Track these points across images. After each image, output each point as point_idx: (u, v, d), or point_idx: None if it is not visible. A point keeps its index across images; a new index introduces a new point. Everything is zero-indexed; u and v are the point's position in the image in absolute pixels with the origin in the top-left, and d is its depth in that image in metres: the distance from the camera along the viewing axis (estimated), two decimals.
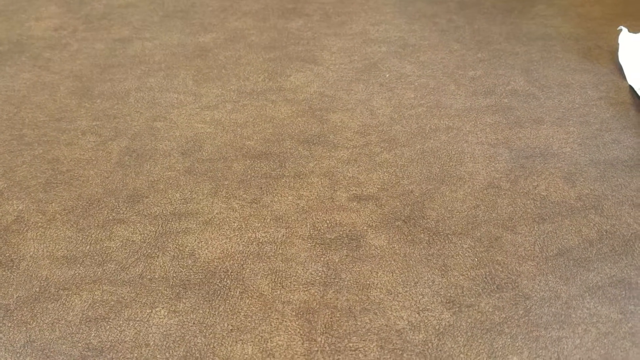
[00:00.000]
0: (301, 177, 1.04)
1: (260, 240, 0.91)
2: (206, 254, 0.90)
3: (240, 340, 0.77)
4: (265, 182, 1.03)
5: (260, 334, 0.78)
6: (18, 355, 0.76)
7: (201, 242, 0.92)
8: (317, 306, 0.81)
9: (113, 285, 0.85)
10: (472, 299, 0.82)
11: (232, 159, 1.08)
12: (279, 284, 0.85)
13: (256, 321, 0.80)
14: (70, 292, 0.84)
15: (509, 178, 1.02)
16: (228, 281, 0.85)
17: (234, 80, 1.32)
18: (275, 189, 1.01)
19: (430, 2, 1.64)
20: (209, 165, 1.07)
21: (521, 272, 0.85)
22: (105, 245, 0.91)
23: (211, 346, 0.77)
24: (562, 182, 1.01)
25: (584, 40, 1.43)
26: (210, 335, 0.78)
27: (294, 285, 0.84)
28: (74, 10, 1.64)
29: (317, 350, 0.76)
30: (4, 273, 0.88)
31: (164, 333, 0.78)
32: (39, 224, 0.96)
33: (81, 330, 0.79)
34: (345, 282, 0.85)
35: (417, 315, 0.80)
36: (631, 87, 1.26)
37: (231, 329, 0.79)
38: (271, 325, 0.79)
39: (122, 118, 1.20)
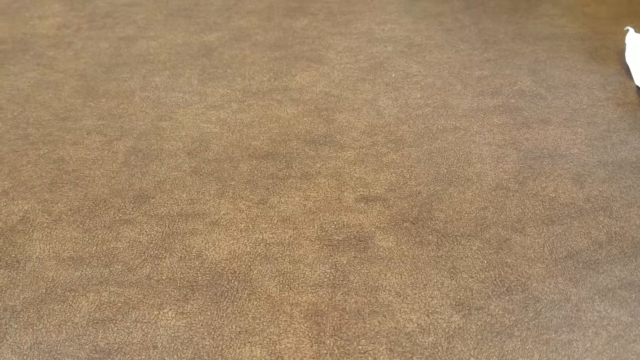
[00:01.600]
0: (308, 177, 1.03)
1: (268, 242, 0.91)
2: (213, 255, 0.89)
3: (249, 342, 0.77)
4: (272, 182, 1.02)
5: (269, 336, 0.78)
6: (25, 357, 0.76)
7: (208, 243, 0.91)
8: (326, 308, 0.81)
9: (120, 286, 0.85)
10: (482, 302, 0.81)
11: (238, 159, 1.08)
12: (286, 286, 0.84)
13: (264, 323, 0.79)
14: (77, 294, 0.84)
15: (517, 179, 1.02)
16: (235, 283, 0.85)
17: (239, 80, 1.31)
18: (282, 190, 1.01)
19: (435, 1, 1.63)
20: (215, 166, 1.06)
21: (531, 275, 0.85)
22: (111, 246, 0.91)
23: (219, 348, 0.76)
24: (570, 184, 1.01)
25: (590, 40, 1.43)
26: (219, 338, 0.78)
27: (302, 287, 0.84)
28: (78, 9, 1.63)
29: (326, 353, 0.75)
30: (10, 274, 0.87)
31: (172, 335, 0.78)
32: (45, 224, 0.95)
33: (88, 332, 0.78)
34: (354, 284, 0.84)
35: (426, 317, 0.79)
36: (638, 88, 1.25)
37: (239, 331, 0.78)
38: (279, 327, 0.79)
39: (127, 117, 1.20)
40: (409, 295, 0.82)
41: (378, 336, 0.77)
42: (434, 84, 1.28)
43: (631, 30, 1.37)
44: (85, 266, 0.88)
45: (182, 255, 0.89)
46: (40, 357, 0.76)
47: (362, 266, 0.87)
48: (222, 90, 1.28)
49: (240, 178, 1.04)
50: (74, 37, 1.49)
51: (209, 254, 0.89)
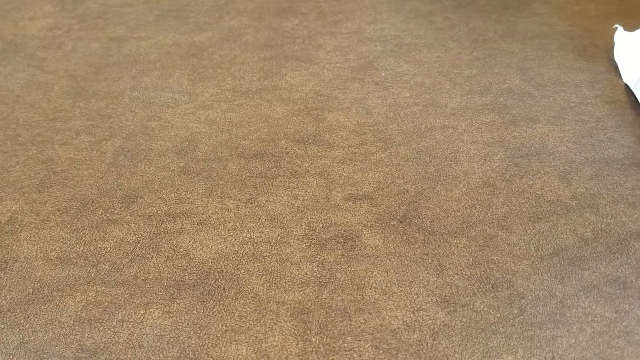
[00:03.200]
0: (296, 176, 1.04)
1: (255, 241, 0.91)
2: (201, 254, 0.89)
3: (235, 340, 0.77)
4: (261, 181, 1.03)
5: (255, 335, 0.78)
6: (11, 356, 0.76)
7: (196, 242, 0.91)
8: (312, 306, 0.81)
9: (107, 286, 0.85)
10: (467, 299, 0.81)
11: (227, 159, 1.08)
12: (273, 284, 0.84)
13: (251, 322, 0.79)
14: (64, 293, 0.84)
15: (505, 177, 1.02)
16: (222, 281, 0.85)
17: (229, 80, 1.31)
18: (270, 189, 1.01)
19: (425, 0, 1.63)
20: (204, 165, 1.07)
21: (516, 272, 0.85)
22: (99, 245, 0.91)
23: (205, 347, 0.77)
24: (557, 181, 1.01)
25: (579, 38, 1.43)
26: (205, 336, 0.78)
27: (289, 285, 0.84)
28: (69, 10, 1.63)
29: (312, 351, 0.76)
30: None
31: (158, 334, 0.78)
32: (33, 224, 0.95)
33: (75, 332, 0.79)
34: (340, 282, 0.84)
35: (411, 315, 0.80)
36: (626, 86, 1.26)
37: (225, 330, 0.79)
38: (266, 325, 0.79)
39: (116, 118, 1.20)
40: (394, 293, 0.83)
41: (363, 333, 0.78)
42: (423, 83, 1.28)
43: (620, 28, 1.38)
44: (72, 266, 0.88)
45: (170, 255, 0.89)
46: (27, 356, 0.76)
47: (349, 264, 0.87)
48: (211, 90, 1.28)
49: (228, 177, 1.04)
50: (65, 38, 1.49)
51: (196, 253, 0.89)
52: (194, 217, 0.96)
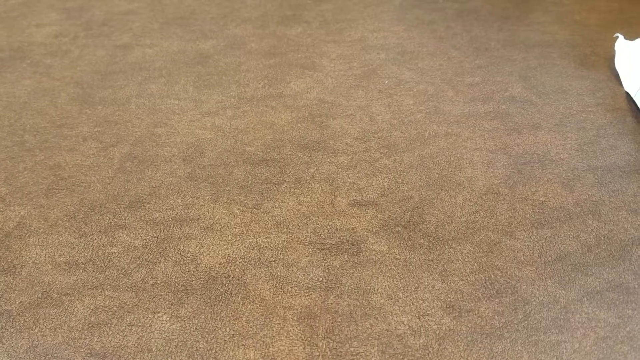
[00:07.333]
0: (301, 182, 1.05)
1: (262, 246, 0.92)
2: (208, 259, 0.90)
3: (242, 345, 0.78)
4: (266, 187, 1.04)
5: (262, 339, 0.79)
6: None
7: (203, 247, 0.92)
8: (319, 311, 0.82)
9: (115, 290, 0.86)
10: (472, 304, 0.82)
11: (232, 165, 1.09)
12: (280, 289, 0.85)
13: (258, 326, 0.80)
14: (73, 298, 0.85)
15: (508, 184, 1.03)
16: (229, 286, 0.86)
17: (234, 87, 1.32)
18: (275, 195, 1.02)
19: (428, 9, 1.65)
20: (210, 171, 1.08)
21: (520, 277, 0.86)
22: (107, 251, 0.92)
23: (213, 351, 0.77)
24: (560, 188, 1.02)
25: (580, 47, 1.45)
26: (212, 341, 0.79)
27: (295, 290, 0.85)
28: (75, 17, 1.65)
29: (319, 355, 0.77)
30: (7, 279, 0.88)
31: (166, 338, 0.79)
32: (41, 229, 0.96)
33: (84, 336, 0.79)
34: (346, 287, 0.85)
35: (417, 320, 0.80)
36: (627, 94, 1.27)
37: (233, 334, 0.79)
38: (273, 330, 0.80)
39: (123, 124, 1.21)
40: (400, 298, 0.83)
41: (370, 338, 0.78)
42: (426, 91, 1.29)
43: (620, 37, 1.39)
44: (80, 271, 0.89)
45: (177, 260, 0.90)
46: None
47: (354, 270, 0.88)
48: (217, 97, 1.29)
49: (234, 183, 1.05)
50: (71, 45, 1.51)
51: (203, 258, 0.90)
52: (201, 223, 0.96)
